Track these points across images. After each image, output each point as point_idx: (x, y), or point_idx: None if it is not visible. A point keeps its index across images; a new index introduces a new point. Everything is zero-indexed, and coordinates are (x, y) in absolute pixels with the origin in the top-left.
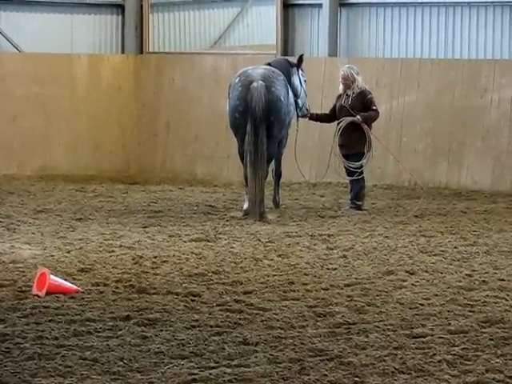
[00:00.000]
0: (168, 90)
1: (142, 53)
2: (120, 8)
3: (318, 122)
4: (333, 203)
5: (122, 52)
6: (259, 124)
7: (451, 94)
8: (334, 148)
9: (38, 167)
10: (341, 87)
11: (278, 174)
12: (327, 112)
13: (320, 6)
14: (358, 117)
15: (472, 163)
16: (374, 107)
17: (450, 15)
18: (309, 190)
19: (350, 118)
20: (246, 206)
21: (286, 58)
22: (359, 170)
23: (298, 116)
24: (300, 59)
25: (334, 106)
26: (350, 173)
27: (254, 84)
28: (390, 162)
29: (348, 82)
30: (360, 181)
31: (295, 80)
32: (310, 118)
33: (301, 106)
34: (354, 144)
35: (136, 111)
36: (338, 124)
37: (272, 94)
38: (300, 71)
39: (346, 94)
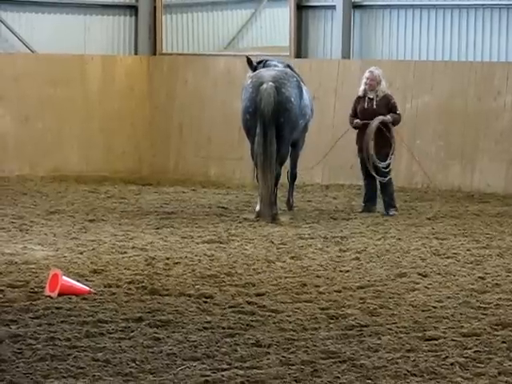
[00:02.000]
0: (181, 92)
1: (155, 54)
2: (133, 9)
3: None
4: (346, 205)
5: (135, 53)
6: (268, 125)
7: (464, 96)
8: (367, 149)
9: (51, 168)
10: (361, 89)
11: (292, 176)
12: (352, 118)
13: (333, 7)
14: (389, 116)
15: (485, 166)
16: (398, 111)
17: (463, 18)
18: (321, 191)
19: (380, 118)
20: (258, 207)
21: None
22: (387, 170)
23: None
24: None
25: (355, 109)
26: (379, 174)
27: (264, 85)
28: (402, 165)
29: (374, 82)
30: (391, 184)
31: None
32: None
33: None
34: (381, 146)
35: (149, 112)
36: (369, 125)
37: (282, 95)
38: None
39: (369, 98)
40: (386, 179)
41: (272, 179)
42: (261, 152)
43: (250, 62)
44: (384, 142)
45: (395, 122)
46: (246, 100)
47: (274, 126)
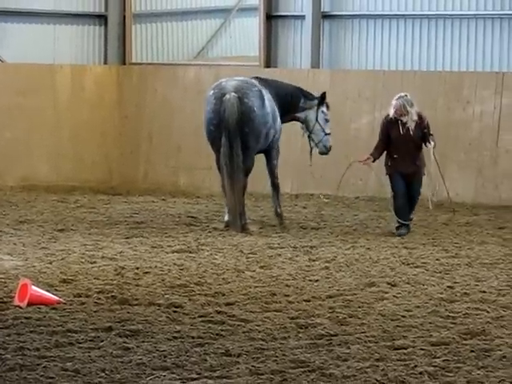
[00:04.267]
0: (151, 101)
1: (124, 64)
2: (103, 19)
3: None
4: (315, 215)
5: (105, 63)
6: (233, 136)
7: (433, 106)
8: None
9: (20, 178)
10: (392, 113)
11: (274, 187)
12: (381, 144)
13: (303, 17)
14: (433, 143)
15: (454, 176)
16: (432, 132)
17: (432, 28)
18: (291, 201)
19: (432, 144)
20: (227, 217)
21: (300, 87)
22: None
23: (311, 151)
24: (322, 96)
25: (386, 134)
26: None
27: (227, 96)
28: (371, 175)
29: (400, 113)
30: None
31: (310, 115)
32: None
33: (316, 142)
34: (419, 170)
35: (118, 122)
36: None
37: (245, 105)
38: (322, 108)
39: (401, 122)
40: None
41: (239, 190)
42: (227, 163)
43: (322, 97)
44: (420, 167)
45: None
46: (210, 111)
47: (239, 136)
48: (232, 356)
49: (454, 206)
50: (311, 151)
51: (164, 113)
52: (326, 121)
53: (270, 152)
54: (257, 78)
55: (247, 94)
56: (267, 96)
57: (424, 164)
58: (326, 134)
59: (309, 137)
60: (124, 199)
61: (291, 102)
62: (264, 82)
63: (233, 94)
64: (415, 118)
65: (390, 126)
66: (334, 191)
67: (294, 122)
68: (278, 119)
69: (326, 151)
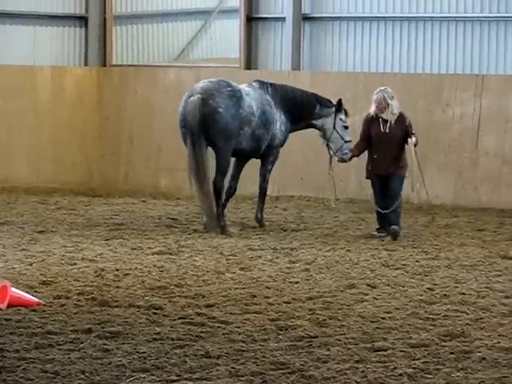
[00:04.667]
0: (131, 103)
1: (105, 65)
2: (83, 20)
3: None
4: (295, 216)
5: (85, 64)
6: (196, 138)
7: (413, 108)
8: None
9: (0, 179)
10: (373, 109)
11: (261, 191)
12: (362, 143)
13: (283, 19)
14: (414, 139)
15: (434, 177)
16: (414, 131)
17: (412, 30)
18: (271, 203)
19: (413, 140)
20: (205, 219)
21: (315, 94)
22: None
23: (330, 159)
24: (339, 103)
25: (367, 132)
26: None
27: (191, 98)
28: (352, 176)
29: (381, 106)
30: (397, 209)
31: (327, 122)
32: (353, 157)
33: (335, 150)
34: (399, 171)
35: (99, 123)
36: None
37: (208, 106)
38: (340, 115)
39: (383, 119)
40: (390, 209)
41: (209, 190)
42: (193, 164)
43: (339, 104)
44: (400, 166)
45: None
46: (179, 114)
47: (203, 137)
48: (212, 358)
49: (433, 208)
50: (330, 159)
51: (144, 114)
52: (345, 128)
53: (266, 157)
54: (258, 81)
55: (213, 95)
56: (255, 98)
57: (406, 165)
58: (345, 142)
59: (327, 145)
60: (104, 201)
61: (303, 108)
62: (265, 85)
63: (197, 95)
64: (396, 111)
65: (371, 124)
66: (315, 193)
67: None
68: (279, 124)
69: (345, 159)
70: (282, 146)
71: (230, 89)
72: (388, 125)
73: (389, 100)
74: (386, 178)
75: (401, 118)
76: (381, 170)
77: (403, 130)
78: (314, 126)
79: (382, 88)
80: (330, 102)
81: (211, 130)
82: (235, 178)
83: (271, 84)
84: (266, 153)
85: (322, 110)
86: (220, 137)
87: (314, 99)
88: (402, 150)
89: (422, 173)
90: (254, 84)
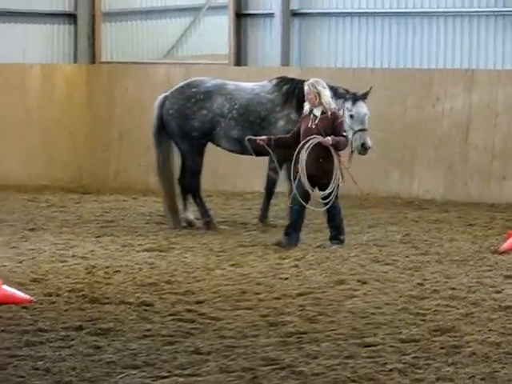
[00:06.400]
0: (121, 100)
1: (94, 62)
2: (72, 17)
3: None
4: (286, 213)
5: (75, 61)
6: (155, 136)
7: (403, 103)
8: (300, 174)
9: None
10: (306, 107)
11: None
12: (288, 136)
13: (272, 15)
14: (329, 138)
15: (424, 173)
16: (344, 133)
17: (402, 25)
18: (261, 199)
19: (319, 138)
20: (186, 214)
21: (332, 86)
22: (328, 200)
23: (351, 153)
24: (343, 92)
25: (298, 129)
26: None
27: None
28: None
29: (311, 96)
30: (337, 213)
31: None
32: (267, 145)
33: (350, 143)
34: (326, 173)
35: (89, 121)
36: (304, 144)
37: (164, 107)
38: (346, 105)
39: (314, 115)
40: (324, 208)
41: (170, 187)
42: (156, 161)
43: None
44: (328, 171)
45: (341, 146)
46: None
47: (161, 137)
48: (202, 354)
49: (367, 192)
50: (351, 153)
51: (134, 111)
52: (351, 117)
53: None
54: (280, 78)
55: (172, 96)
56: (237, 98)
57: (335, 167)
58: (355, 132)
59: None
60: (95, 198)
61: None
62: (281, 84)
63: (160, 96)
64: (327, 100)
65: (303, 120)
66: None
67: None
68: (282, 123)
69: (361, 151)
70: None
71: (194, 90)
72: (316, 120)
73: (319, 87)
74: (312, 177)
75: (332, 115)
76: (308, 170)
77: (332, 127)
78: None
79: (313, 79)
80: (343, 93)
81: (167, 130)
82: (272, 169)
83: (292, 81)
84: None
85: (337, 103)
86: (175, 137)
87: (333, 94)
88: (329, 150)
89: (342, 167)
90: (266, 82)
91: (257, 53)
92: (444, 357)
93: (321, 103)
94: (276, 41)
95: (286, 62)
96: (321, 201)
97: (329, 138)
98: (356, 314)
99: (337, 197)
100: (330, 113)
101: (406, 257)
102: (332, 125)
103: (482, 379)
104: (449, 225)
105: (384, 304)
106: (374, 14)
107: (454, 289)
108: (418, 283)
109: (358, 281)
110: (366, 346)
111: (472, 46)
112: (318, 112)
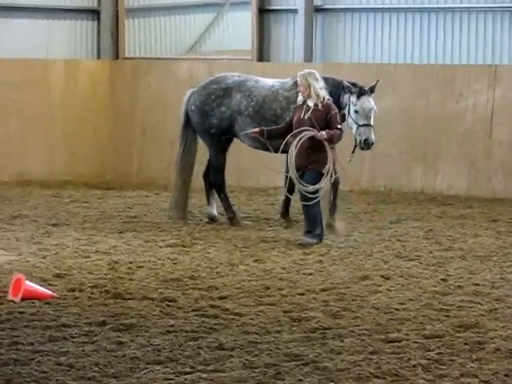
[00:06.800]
0: (144, 96)
1: (117, 58)
2: (96, 13)
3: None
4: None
5: (98, 57)
6: (181, 131)
7: (426, 99)
8: (290, 167)
9: (15, 173)
10: (300, 98)
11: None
12: (281, 127)
13: (295, 11)
14: (324, 133)
15: (447, 168)
16: (339, 125)
17: (425, 20)
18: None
19: (311, 133)
20: (210, 209)
21: (342, 81)
22: (314, 196)
23: (354, 148)
24: (348, 85)
25: (291, 120)
26: (304, 197)
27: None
28: (365, 168)
29: (303, 88)
30: (315, 205)
31: (346, 110)
32: (260, 136)
33: (355, 137)
34: (311, 163)
35: (112, 116)
36: (296, 136)
37: (189, 102)
38: (352, 98)
39: (307, 105)
40: (308, 203)
41: (183, 181)
42: (178, 154)
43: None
44: (314, 162)
45: (336, 140)
46: None
47: (187, 131)
48: (225, 350)
49: (359, 183)
50: (354, 148)
51: (157, 107)
52: (356, 112)
53: None
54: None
55: (197, 92)
56: (254, 95)
57: (329, 160)
58: (359, 126)
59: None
60: (117, 194)
61: (333, 100)
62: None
63: (189, 91)
64: (320, 92)
65: (296, 110)
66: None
67: None
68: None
69: (363, 146)
70: None
71: (215, 86)
72: (309, 111)
73: (310, 80)
74: (299, 170)
75: (325, 107)
76: (297, 162)
77: (325, 119)
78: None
79: (305, 70)
80: (353, 84)
81: (192, 125)
82: None
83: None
84: None
85: (344, 98)
86: (199, 133)
87: (339, 87)
88: (322, 144)
89: (334, 163)
90: (288, 79)
91: (280, 48)
92: (468, 353)
93: (310, 95)
94: (299, 36)
95: (308, 57)
96: (303, 192)
97: (323, 132)
98: (380, 309)
99: (318, 190)
100: (320, 105)
101: (430, 252)
102: (326, 116)
103: (505, 375)
104: (472, 220)
105: (408, 300)
106: (397, 10)
107: (477, 285)
108: (442, 279)
109: (382, 276)
110: (389, 342)
111: (495, 41)
112: (311, 103)
